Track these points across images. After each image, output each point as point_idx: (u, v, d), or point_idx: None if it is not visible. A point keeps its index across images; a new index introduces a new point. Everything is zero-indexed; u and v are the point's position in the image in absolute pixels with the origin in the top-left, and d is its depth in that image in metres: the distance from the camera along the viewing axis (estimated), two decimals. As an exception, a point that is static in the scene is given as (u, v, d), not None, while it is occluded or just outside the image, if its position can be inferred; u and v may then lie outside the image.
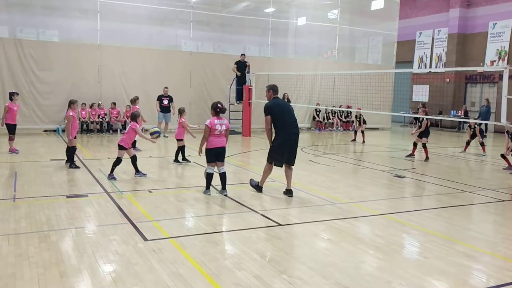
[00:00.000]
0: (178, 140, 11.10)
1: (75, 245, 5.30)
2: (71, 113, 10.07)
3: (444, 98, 25.04)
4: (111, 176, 9.07)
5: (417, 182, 10.14)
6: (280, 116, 7.93)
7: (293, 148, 8.01)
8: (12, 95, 12.05)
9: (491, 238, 6.18)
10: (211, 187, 8.13)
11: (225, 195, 7.96)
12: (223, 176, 8.08)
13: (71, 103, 10.23)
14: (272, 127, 8.05)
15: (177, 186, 8.92)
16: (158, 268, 4.68)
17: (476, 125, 14.60)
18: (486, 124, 14.55)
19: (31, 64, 16.64)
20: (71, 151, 10.26)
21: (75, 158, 10.52)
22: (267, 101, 8.23)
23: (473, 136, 14.81)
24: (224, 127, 7.93)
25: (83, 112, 17.02)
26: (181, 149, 11.14)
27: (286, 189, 8.16)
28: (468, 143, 14.90)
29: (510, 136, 11.50)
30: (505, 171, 11.54)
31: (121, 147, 9.27)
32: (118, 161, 9.22)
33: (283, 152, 7.94)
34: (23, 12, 17.12)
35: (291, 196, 8.00)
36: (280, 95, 8.55)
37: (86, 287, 4.24)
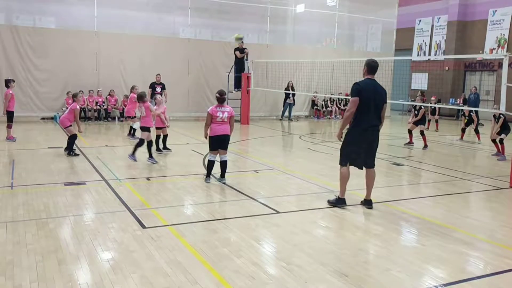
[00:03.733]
0: (157, 128, 10.69)
1: (73, 233, 5.30)
2: (77, 106, 10.38)
3: (443, 86, 24.96)
4: (132, 157, 9.46)
5: (415, 170, 10.14)
6: (365, 102, 6.41)
7: (371, 146, 6.62)
8: (8, 82, 11.99)
9: (489, 225, 6.20)
10: (211, 175, 8.11)
11: (223, 183, 7.96)
12: (223, 164, 8.04)
13: (75, 96, 10.48)
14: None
15: (175, 174, 8.91)
16: (156, 256, 4.68)
17: (471, 113, 14.67)
18: (477, 112, 14.65)
19: (28, 51, 16.51)
20: (71, 139, 10.26)
21: (74, 146, 10.48)
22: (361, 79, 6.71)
23: (467, 123, 14.89)
24: (226, 115, 7.82)
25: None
26: (163, 138, 10.91)
27: (365, 199, 6.80)
28: (463, 131, 15.02)
29: (496, 120, 11.60)
30: (494, 157, 11.63)
31: (144, 129, 9.44)
32: (141, 142, 9.46)
33: (359, 150, 6.55)
34: (20, -1, 16.95)
35: (371, 207, 6.66)
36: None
37: (84, 275, 4.24)
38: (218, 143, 7.91)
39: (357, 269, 4.53)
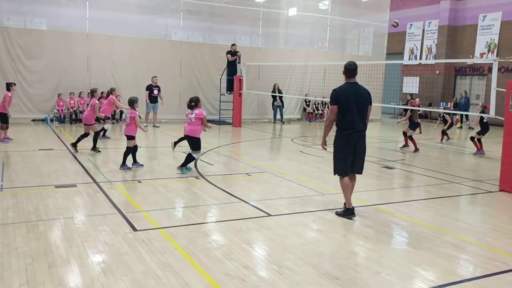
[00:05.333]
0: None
1: (64, 236, 5.27)
2: (96, 101, 11.14)
3: (434, 90, 25.16)
4: (124, 167, 9.07)
5: (406, 173, 10.21)
6: (346, 108, 6.23)
7: (357, 150, 6.36)
8: (10, 86, 12.05)
9: (479, 228, 6.25)
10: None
11: (181, 172, 8.75)
12: (187, 156, 8.89)
13: (94, 92, 11.31)
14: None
15: (167, 176, 8.89)
16: (147, 258, 4.67)
17: (444, 115, 15.33)
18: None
19: (19, 53, 16.38)
20: (96, 135, 10.93)
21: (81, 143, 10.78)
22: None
23: (451, 125, 15.54)
24: (193, 115, 8.79)
25: (72, 102, 16.86)
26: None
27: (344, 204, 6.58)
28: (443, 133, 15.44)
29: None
30: (475, 156, 12.41)
31: (129, 137, 9.23)
32: (128, 150, 9.20)
33: (346, 156, 6.34)
34: (11, 0, 16.82)
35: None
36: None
37: (75, 278, 4.22)
38: (187, 141, 8.94)
39: (348, 272, 4.55)
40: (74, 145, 10.76)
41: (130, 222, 5.81)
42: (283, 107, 20.54)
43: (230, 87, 18.47)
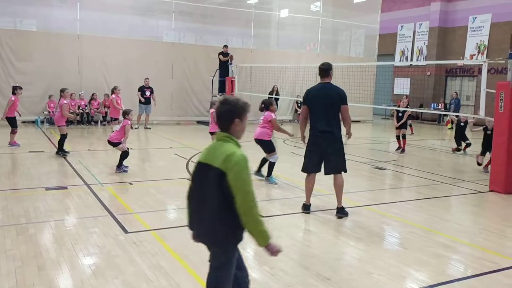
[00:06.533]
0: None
1: (54, 238, 5.22)
2: (65, 101, 10.49)
3: (425, 91, 25.31)
4: (121, 169, 8.89)
5: (397, 174, 10.25)
6: (312, 107, 6.42)
7: (324, 151, 6.35)
8: (14, 89, 11.91)
9: (469, 229, 6.29)
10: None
11: (265, 179, 8.52)
12: (268, 164, 8.60)
13: (62, 91, 10.56)
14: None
15: (158, 178, 8.85)
16: (138, 261, 4.65)
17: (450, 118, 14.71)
18: (457, 116, 14.72)
19: (9, 54, 16.25)
20: (61, 139, 10.39)
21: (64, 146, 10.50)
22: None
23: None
24: (261, 118, 8.64)
25: (63, 103, 16.74)
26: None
27: (336, 207, 6.55)
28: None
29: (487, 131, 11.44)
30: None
31: (113, 144, 9.00)
32: (124, 154, 8.96)
33: (310, 154, 6.54)
34: (0, 1, 16.69)
35: (341, 216, 6.43)
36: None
37: (65, 280, 4.18)
38: (259, 145, 8.62)
39: (339, 273, 4.56)
40: (60, 151, 10.40)
41: (121, 224, 5.78)
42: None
43: (222, 89, 18.44)
